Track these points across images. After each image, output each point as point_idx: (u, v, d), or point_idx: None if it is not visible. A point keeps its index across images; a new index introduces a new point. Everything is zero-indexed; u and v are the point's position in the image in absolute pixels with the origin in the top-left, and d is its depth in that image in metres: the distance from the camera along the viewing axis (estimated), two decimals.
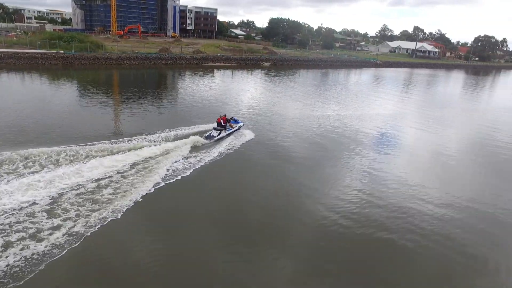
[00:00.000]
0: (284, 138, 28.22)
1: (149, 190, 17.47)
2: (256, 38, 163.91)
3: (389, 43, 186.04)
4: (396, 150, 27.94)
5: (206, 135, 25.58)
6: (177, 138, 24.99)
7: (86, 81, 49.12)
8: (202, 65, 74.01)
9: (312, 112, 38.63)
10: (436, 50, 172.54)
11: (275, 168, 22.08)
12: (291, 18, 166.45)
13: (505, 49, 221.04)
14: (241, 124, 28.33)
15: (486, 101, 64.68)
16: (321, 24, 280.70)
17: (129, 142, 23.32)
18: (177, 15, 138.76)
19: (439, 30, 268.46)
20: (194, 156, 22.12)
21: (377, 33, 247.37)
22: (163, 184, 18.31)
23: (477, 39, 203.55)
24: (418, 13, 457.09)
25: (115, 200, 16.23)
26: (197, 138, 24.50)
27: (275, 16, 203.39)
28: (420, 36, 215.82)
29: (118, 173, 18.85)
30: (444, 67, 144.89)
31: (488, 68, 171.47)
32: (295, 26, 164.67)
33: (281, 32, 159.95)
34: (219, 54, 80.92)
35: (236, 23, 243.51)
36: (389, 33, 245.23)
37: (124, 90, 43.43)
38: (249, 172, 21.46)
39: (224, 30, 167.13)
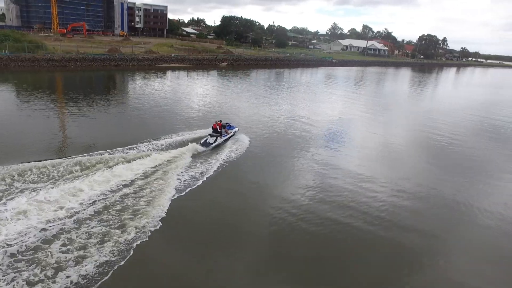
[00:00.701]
0: (277, 141, 26.81)
1: (167, 207, 16.01)
2: (209, 36, 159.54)
3: (340, 41, 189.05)
4: (346, 145, 28.85)
5: (202, 142, 24.56)
6: (168, 147, 23.58)
7: (25, 85, 43.07)
8: (156, 66, 69.18)
9: (278, 113, 36.16)
10: (386, 48, 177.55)
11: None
12: (243, 16, 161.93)
13: (445, 47, 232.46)
14: (236, 129, 27.60)
15: (430, 97, 68.33)
16: (273, 23, 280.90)
17: (115, 153, 21.04)
18: (125, 12, 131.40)
19: (386, 29, 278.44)
20: (197, 166, 21.09)
21: (327, 31, 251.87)
22: (179, 197, 17.09)
23: (421, 38, 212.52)
24: (362, 12, 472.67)
25: (135, 222, 14.58)
26: (194, 146, 23.41)
27: (224, 14, 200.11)
28: (369, 35, 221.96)
29: (123, 187, 17.25)
30: (394, 65, 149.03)
31: (433, 65, 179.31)
32: (247, 25, 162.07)
33: (234, 30, 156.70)
34: (173, 55, 76.34)
35: (186, 21, 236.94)
36: (339, 31, 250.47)
37: (72, 96, 38.31)
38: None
39: (175, 28, 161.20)
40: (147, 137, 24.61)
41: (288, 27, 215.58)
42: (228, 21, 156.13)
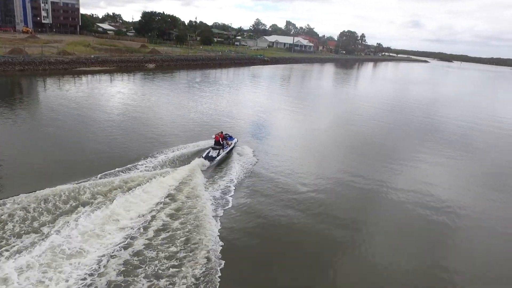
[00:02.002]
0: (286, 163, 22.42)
1: (217, 232, 15.19)
2: (129, 33, 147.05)
3: (266, 37, 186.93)
4: (271, 140, 30.73)
5: (205, 155, 23.03)
6: (171, 163, 22.08)
7: None
8: (73, 70, 58.89)
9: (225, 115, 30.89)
10: (311, 44, 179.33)
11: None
12: (165, 12, 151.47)
13: (364, 43, 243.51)
14: (236, 140, 26.87)
15: (352, 92, 73.12)
16: (195, 18, 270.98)
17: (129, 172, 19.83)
18: (28, 5, 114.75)
19: (308, 25, 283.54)
20: (215, 182, 20.39)
21: (251, 27, 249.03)
22: (222, 220, 16.37)
23: (342, 34, 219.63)
24: (280, 7, 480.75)
25: (197, 260, 13.27)
26: (201, 161, 22.02)
27: (141, 9, 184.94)
28: (293, 31, 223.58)
29: (158, 211, 16.20)
30: (321, 61, 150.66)
31: (354, 60, 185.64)
32: (170, 21, 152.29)
33: (156, 27, 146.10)
34: (93, 56, 66.13)
35: (100, 17, 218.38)
36: (262, 27, 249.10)
37: None
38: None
39: (89, 24, 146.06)
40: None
41: (209, 23, 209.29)
42: (149, 17, 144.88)
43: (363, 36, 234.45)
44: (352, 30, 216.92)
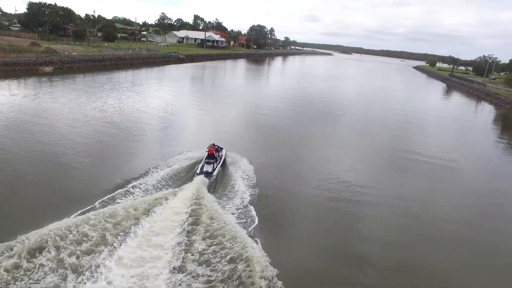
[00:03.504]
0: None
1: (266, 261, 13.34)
2: (13, 28, 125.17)
3: (176, 33, 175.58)
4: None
5: (198, 171, 20.96)
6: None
7: None
8: None
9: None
10: (223, 39, 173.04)
11: None
12: (57, 4, 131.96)
13: (273, 37, 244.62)
14: (224, 151, 25.11)
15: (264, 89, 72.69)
16: (94, 12, 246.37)
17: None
18: None
19: (216, 19, 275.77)
20: (224, 197, 19.17)
21: (156, 22, 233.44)
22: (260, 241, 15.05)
23: (252, 28, 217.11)
24: (185, 2, 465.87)
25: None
26: (202, 179, 19.76)
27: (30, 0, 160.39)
28: (202, 25, 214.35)
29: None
30: (234, 57, 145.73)
31: (266, 55, 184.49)
32: (65, 14, 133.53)
33: (48, 21, 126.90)
34: None
35: None
36: (168, 22, 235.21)
37: None
38: None
39: None
40: None
41: (109, 17, 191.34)
42: (37, 9, 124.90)
43: (272, 30, 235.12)
44: (262, 25, 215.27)
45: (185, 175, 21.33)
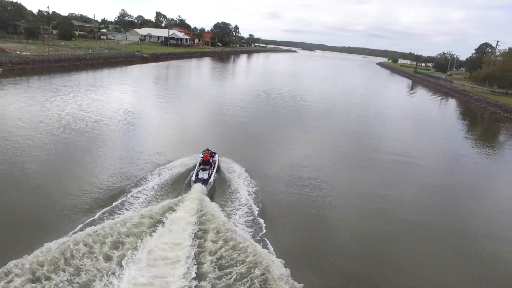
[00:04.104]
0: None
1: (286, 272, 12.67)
2: None
3: (137, 30, 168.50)
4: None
5: (195, 179, 19.56)
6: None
7: None
8: None
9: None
10: (187, 37, 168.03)
11: None
12: None
13: (238, 34, 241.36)
14: (217, 156, 23.67)
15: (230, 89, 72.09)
16: (47, 8, 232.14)
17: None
18: None
19: (179, 16, 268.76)
20: (228, 203, 18.55)
21: (116, 19, 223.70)
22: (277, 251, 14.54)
23: (216, 26, 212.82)
24: None
25: None
26: (200, 187, 18.64)
27: None
28: (164, 23, 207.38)
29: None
30: (200, 56, 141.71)
31: (231, 53, 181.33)
32: (14, 9, 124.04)
33: None
34: None
35: None
36: (129, 19, 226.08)
37: None
38: None
39: None
40: None
41: (64, 14, 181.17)
42: None
43: (236, 27, 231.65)
44: (226, 22, 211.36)
45: (176, 185, 19.98)
